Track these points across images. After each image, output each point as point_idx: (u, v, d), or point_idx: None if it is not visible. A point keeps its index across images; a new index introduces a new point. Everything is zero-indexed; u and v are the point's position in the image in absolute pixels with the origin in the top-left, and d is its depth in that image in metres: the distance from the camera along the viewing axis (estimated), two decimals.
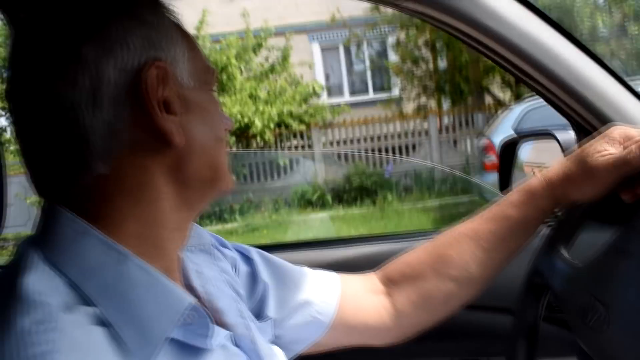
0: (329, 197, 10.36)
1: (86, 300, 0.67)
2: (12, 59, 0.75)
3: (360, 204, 10.13)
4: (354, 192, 10.44)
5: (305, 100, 11.94)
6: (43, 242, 0.71)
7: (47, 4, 0.76)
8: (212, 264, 0.96)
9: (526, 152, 1.69)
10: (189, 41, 0.82)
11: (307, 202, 10.37)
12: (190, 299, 0.73)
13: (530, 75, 1.18)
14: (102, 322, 0.67)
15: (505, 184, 1.63)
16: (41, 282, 0.66)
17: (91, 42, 0.71)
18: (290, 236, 8.47)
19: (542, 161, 1.75)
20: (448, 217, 8.67)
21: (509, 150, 1.63)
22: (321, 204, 10.29)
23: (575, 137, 1.30)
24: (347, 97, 15.21)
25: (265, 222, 9.42)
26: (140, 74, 0.72)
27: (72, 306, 0.65)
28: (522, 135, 1.60)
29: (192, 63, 0.80)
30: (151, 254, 0.74)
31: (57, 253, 0.70)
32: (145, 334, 0.68)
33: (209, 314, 0.76)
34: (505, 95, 12.85)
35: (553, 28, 1.14)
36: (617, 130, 0.93)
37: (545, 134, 1.41)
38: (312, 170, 11.61)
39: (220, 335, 0.83)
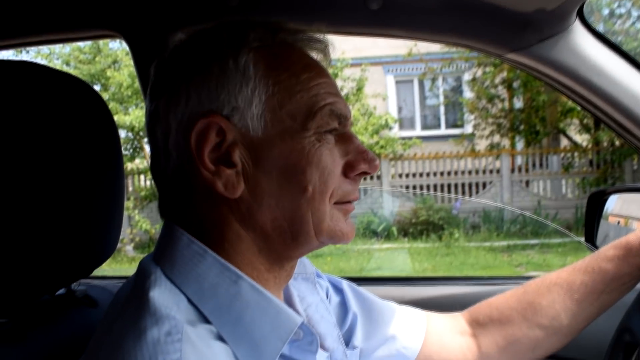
0: (394, 229, 10.31)
1: (204, 318, 0.74)
2: None
3: (426, 238, 10.03)
4: (420, 226, 10.36)
5: (377, 131, 11.99)
6: (163, 260, 0.78)
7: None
8: (314, 292, 1.00)
9: (612, 202, 1.67)
10: (277, 85, 0.78)
11: (372, 232, 10.35)
12: (300, 318, 0.77)
13: (628, 130, 1.19)
14: (221, 339, 0.73)
15: (590, 235, 1.62)
16: (167, 297, 0.73)
17: (164, 98, 0.79)
18: (353, 265, 8.44)
19: (629, 213, 1.72)
20: (515, 259, 8.46)
21: (597, 201, 1.62)
22: (386, 236, 10.24)
23: None
24: (418, 131, 15.16)
25: (330, 249, 9.43)
26: (192, 127, 0.76)
27: (194, 322, 0.72)
28: (613, 189, 1.59)
29: (275, 109, 0.77)
30: None
31: (176, 272, 0.76)
32: (258, 352, 0.74)
33: (314, 331, 0.81)
34: (582, 138, 12.49)
35: None
36: None
37: (638, 190, 1.39)
38: (379, 201, 11.58)
39: (322, 356, 0.88)
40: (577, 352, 1.33)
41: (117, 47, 11.98)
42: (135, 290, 0.76)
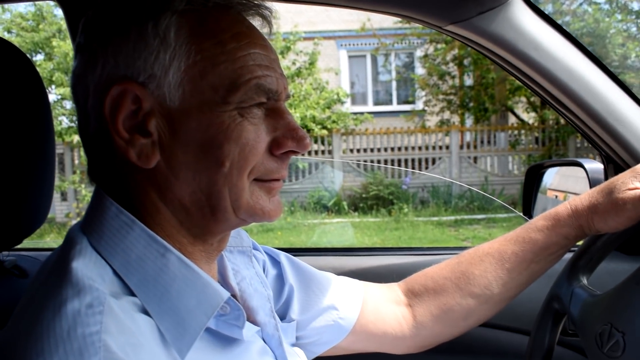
0: (345, 204, 10.38)
1: (129, 291, 0.72)
2: None
3: (375, 213, 10.14)
4: (370, 200, 10.47)
5: (329, 106, 11.97)
6: (90, 229, 0.76)
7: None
8: (250, 266, 0.99)
9: (550, 177, 1.71)
10: (200, 53, 0.74)
11: (323, 207, 10.40)
12: (226, 293, 0.76)
13: (565, 105, 1.21)
14: (145, 312, 0.71)
15: (528, 207, 1.66)
16: (91, 268, 0.70)
17: (84, 58, 0.76)
18: (304, 240, 8.49)
19: (566, 188, 1.78)
20: (462, 233, 8.66)
21: (534, 175, 1.66)
22: (337, 210, 10.31)
23: (604, 168, 1.32)
24: (370, 106, 15.24)
25: (280, 224, 9.45)
26: (107, 92, 0.73)
27: (118, 294, 0.70)
28: (550, 163, 1.63)
29: (195, 79, 0.73)
30: None
31: (103, 243, 0.74)
32: (183, 326, 0.72)
33: (241, 306, 0.79)
34: (529, 117, 12.79)
35: (592, 61, 1.17)
36: None
37: (573, 163, 1.43)
38: (330, 176, 11.64)
39: (251, 330, 0.87)
40: (509, 320, 1.38)
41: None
42: (60, 260, 0.73)
